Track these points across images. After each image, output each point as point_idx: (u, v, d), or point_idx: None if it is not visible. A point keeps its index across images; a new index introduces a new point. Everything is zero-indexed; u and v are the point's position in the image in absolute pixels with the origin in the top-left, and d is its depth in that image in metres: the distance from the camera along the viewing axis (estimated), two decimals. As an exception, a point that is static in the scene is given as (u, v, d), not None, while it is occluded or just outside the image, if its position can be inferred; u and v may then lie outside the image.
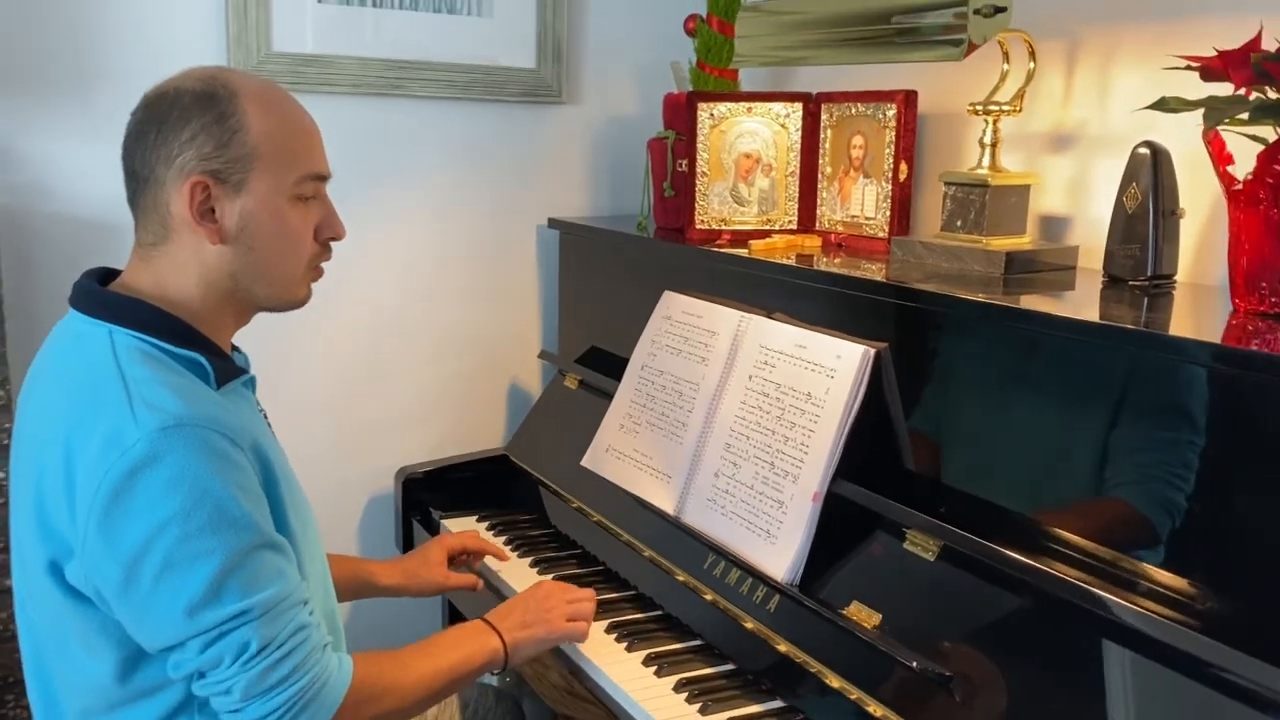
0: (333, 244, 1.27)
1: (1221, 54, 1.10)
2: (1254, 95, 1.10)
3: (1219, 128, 1.14)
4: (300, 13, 1.89)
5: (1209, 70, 1.11)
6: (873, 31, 1.33)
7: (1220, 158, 1.15)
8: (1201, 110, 1.11)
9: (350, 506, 2.14)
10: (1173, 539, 1.08)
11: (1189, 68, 1.14)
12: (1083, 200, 1.56)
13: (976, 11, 1.21)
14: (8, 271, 1.72)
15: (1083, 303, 1.30)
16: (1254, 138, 1.11)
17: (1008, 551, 1.17)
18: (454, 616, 2.08)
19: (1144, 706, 1.03)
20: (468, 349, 2.21)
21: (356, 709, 1.17)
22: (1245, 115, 1.07)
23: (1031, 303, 1.26)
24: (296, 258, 1.22)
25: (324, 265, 1.28)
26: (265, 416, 1.30)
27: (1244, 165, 1.15)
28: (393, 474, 2.06)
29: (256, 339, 1.35)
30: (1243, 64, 1.07)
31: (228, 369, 1.19)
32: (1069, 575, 1.11)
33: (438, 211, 2.11)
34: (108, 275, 1.22)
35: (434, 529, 1.97)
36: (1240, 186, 1.12)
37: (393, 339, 2.13)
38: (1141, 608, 1.04)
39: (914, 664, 1.18)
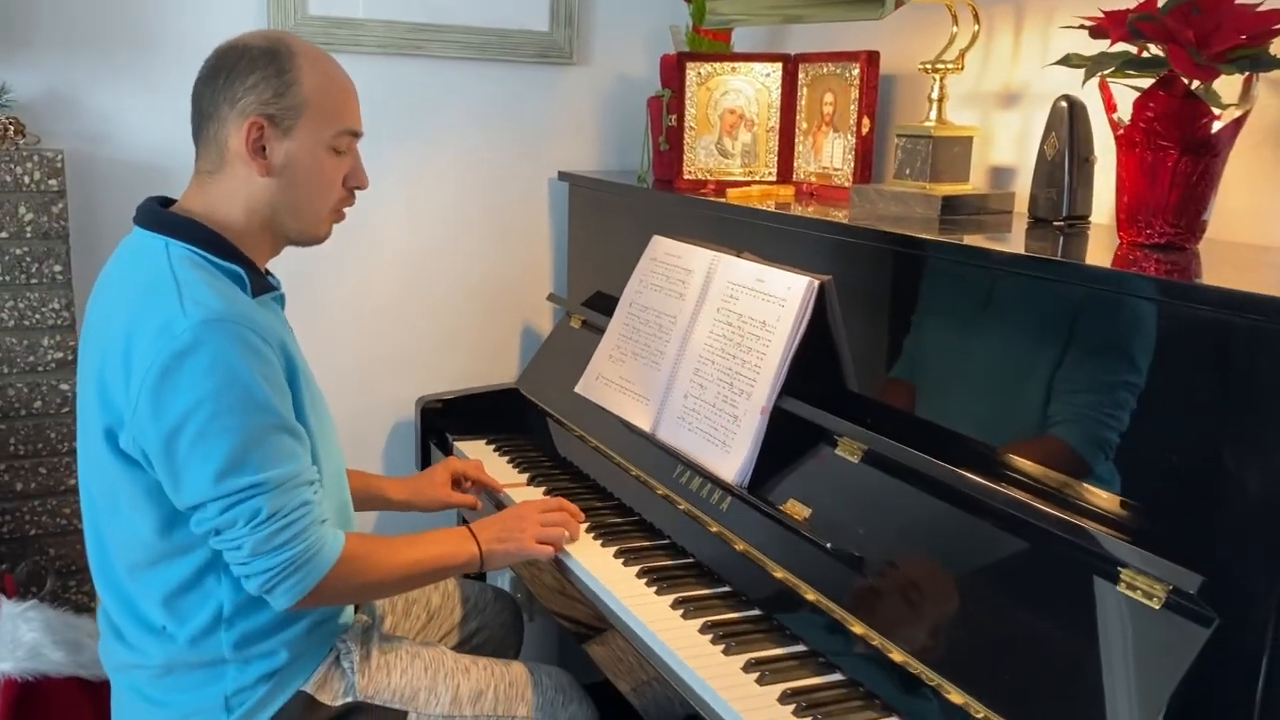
0: (359, 194, 1.49)
1: (1107, 14, 1.25)
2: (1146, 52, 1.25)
3: (1110, 79, 1.29)
4: (333, -20, 2.10)
5: (1097, 29, 1.26)
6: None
7: (1109, 106, 1.29)
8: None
9: (376, 429, 2.36)
10: (1058, 440, 1.24)
11: (1082, 26, 1.29)
12: (1026, 151, 1.71)
13: (896, -24, 1.37)
14: (74, 209, 1.95)
15: (996, 238, 1.45)
16: (1136, 88, 1.26)
17: (917, 452, 1.34)
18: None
19: (1013, 573, 1.20)
20: (484, 291, 2.41)
21: (344, 575, 1.38)
22: (1119, 68, 1.22)
23: (950, 238, 1.42)
24: (325, 199, 1.44)
25: (355, 211, 1.50)
26: (293, 333, 1.51)
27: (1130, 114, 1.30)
28: (414, 402, 2.28)
29: (297, 275, 1.56)
30: (1121, 23, 1.22)
31: (262, 283, 1.41)
32: (968, 472, 1.27)
33: (457, 164, 2.31)
34: (166, 201, 1.44)
35: (449, 451, 2.18)
36: (1122, 132, 1.27)
37: (416, 280, 2.34)
38: (1018, 497, 1.21)
39: (828, 545, 1.36)
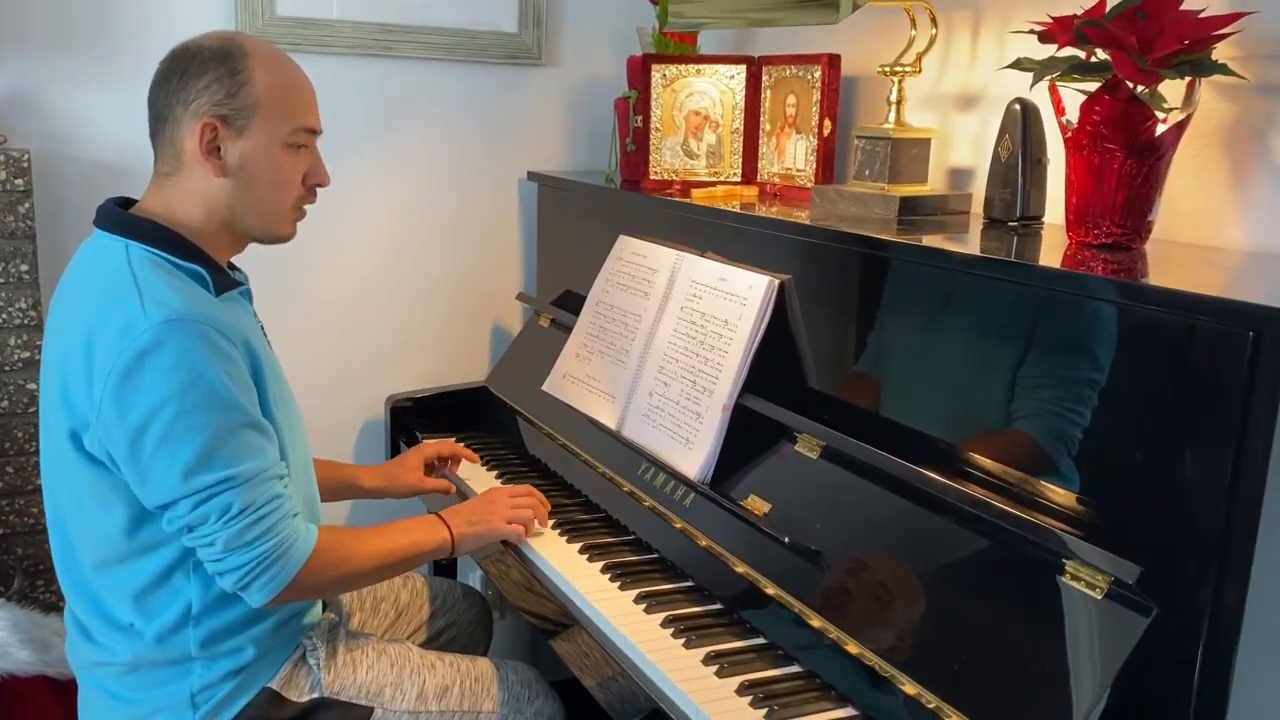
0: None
1: (1055, 19, 1.29)
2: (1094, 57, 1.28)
3: (1058, 83, 1.32)
4: (301, -19, 2.11)
5: (1046, 34, 1.30)
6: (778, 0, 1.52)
7: (1058, 109, 1.33)
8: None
9: (346, 428, 2.37)
10: (1008, 436, 1.27)
11: (1031, 31, 1.32)
12: (983, 153, 1.74)
13: (850, -18, 1.40)
14: (41, 209, 1.95)
15: (951, 238, 1.48)
16: (1084, 92, 1.29)
17: (873, 449, 1.36)
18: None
19: (965, 566, 1.23)
20: (454, 290, 2.42)
21: (319, 568, 1.39)
22: (1066, 72, 1.25)
23: (905, 238, 1.45)
24: (284, 197, 1.45)
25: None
26: (262, 327, 1.52)
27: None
28: (384, 400, 2.29)
29: (266, 275, 1.57)
30: (1068, 28, 1.25)
31: (225, 280, 1.41)
32: (922, 468, 1.30)
33: (427, 164, 2.32)
34: (126, 202, 1.45)
35: (418, 449, 2.19)
36: (1070, 135, 1.30)
37: (386, 280, 2.35)
38: (970, 492, 1.24)
39: (786, 539, 1.38)
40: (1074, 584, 1.10)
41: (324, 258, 2.26)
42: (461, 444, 1.99)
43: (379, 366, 2.38)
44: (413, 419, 2.27)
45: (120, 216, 1.40)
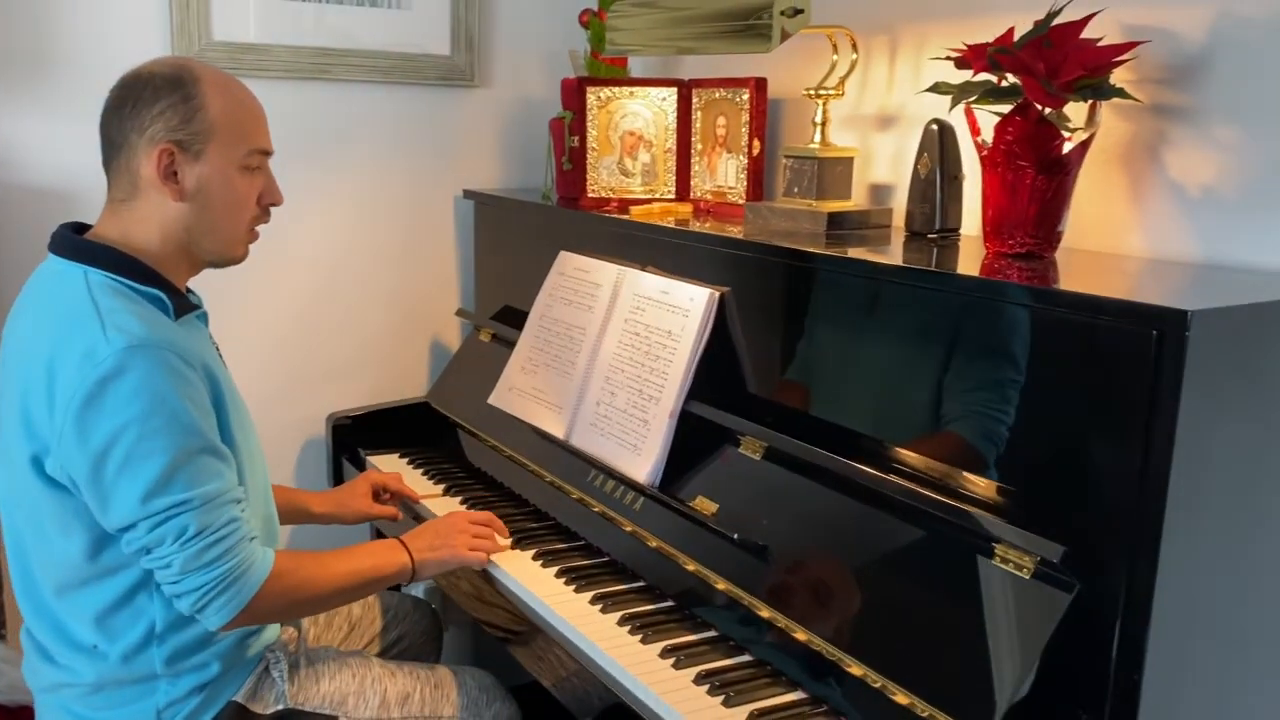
0: (273, 213, 1.53)
1: (970, 47, 1.40)
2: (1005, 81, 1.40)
3: (974, 105, 1.43)
4: (239, 5, 2.13)
5: (961, 60, 1.41)
6: (713, 28, 1.61)
7: (973, 129, 1.44)
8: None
9: (288, 447, 2.39)
10: (937, 432, 1.37)
11: (948, 58, 1.43)
12: (902, 170, 1.85)
13: (781, 13, 1.50)
14: (-24, 235, 1.95)
15: (877, 250, 1.59)
16: (997, 114, 1.40)
17: (813, 447, 1.46)
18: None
19: (902, 554, 1.33)
20: (393, 308, 2.46)
21: (276, 592, 1.41)
22: (981, 95, 1.37)
23: (835, 251, 1.54)
24: (240, 219, 1.48)
25: (263, 232, 1.53)
26: (217, 348, 1.55)
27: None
28: (324, 419, 2.32)
29: (205, 297, 1.58)
30: (982, 55, 1.36)
31: (184, 304, 1.44)
32: (860, 464, 1.39)
33: (364, 184, 2.36)
34: (80, 227, 1.46)
35: (362, 466, 2.22)
36: (985, 153, 1.41)
37: (325, 299, 2.38)
38: (904, 484, 1.33)
39: (735, 536, 1.47)
40: (1003, 566, 1.20)
41: (263, 279, 2.28)
42: (410, 468, 2.02)
43: (319, 385, 2.40)
44: (354, 436, 2.30)
45: (77, 243, 1.41)
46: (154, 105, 1.38)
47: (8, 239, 1.98)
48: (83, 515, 1.36)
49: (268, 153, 1.50)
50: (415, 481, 2.05)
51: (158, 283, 1.41)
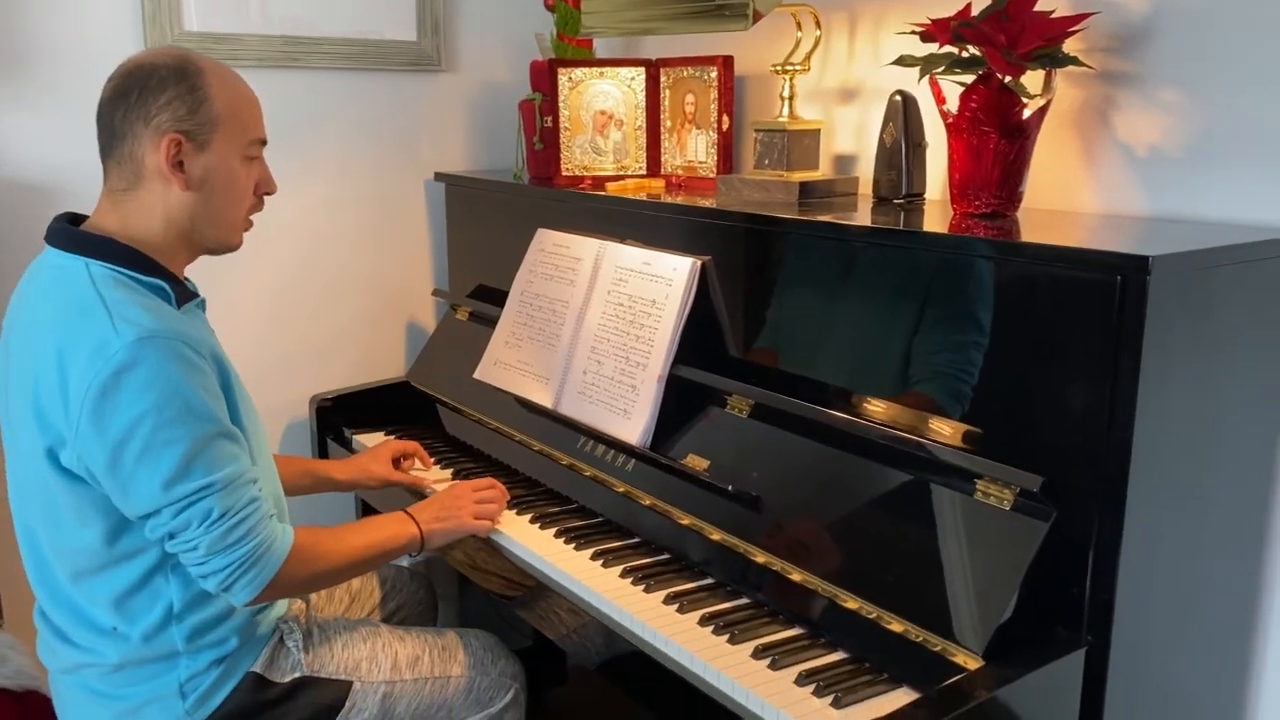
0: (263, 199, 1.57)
1: (934, 21, 1.49)
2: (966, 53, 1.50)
3: (939, 76, 1.53)
4: (205, -4, 2.16)
5: (927, 34, 1.50)
6: (685, 8, 1.69)
7: (939, 99, 1.53)
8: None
9: (273, 429, 2.43)
10: (916, 380, 1.46)
11: (914, 32, 1.52)
12: (865, 140, 1.95)
13: (756, -8, 1.58)
14: (-42, 230, 1.96)
15: (850, 215, 1.68)
16: (961, 83, 1.50)
17: (797, 401, 1.55)
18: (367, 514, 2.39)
19: (890, 495, 1.43)
20: (369, 290, 2.51)
21: (297, 565, 1.46)
22: (944, 67, 1.46)
23: (811, 216, 1.63)
24: (241, 207, 1.51)
25: (252, 218, 1.57)
26: (215, 336, 1.59)
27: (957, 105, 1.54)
28: (307, 401, 2.36)
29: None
30: (946, 29, 1.46)
31: (185, 293, 1.48)
32: (845, 414, 1.49)
33: (336, 170, 2.40)
34: (75, 218, 1.49)
35: (347, 445, 2.27)
36: (951, 120, 1.51)
37: (302, 284, 2.41)
38: (889, 429, 1.43)
39: (729, 488, 1.56)
40: (985, 499, 1.31)
41: (240, 266, 2.31)
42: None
43: (300, 368, 2.44)
44: (337, 417, 2.34)
45: (76, 235, 1.43)
46: (160, 95, 1.40)
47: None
48: (100, 504, 1.39)
49: (265, 142, 1.54)
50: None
51: (159, 272, 1.43)
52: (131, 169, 1.43)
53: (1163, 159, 1.54)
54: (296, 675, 1.57)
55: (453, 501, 1.74)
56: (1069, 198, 1.65)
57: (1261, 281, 1.36)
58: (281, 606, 1.63)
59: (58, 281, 1.41)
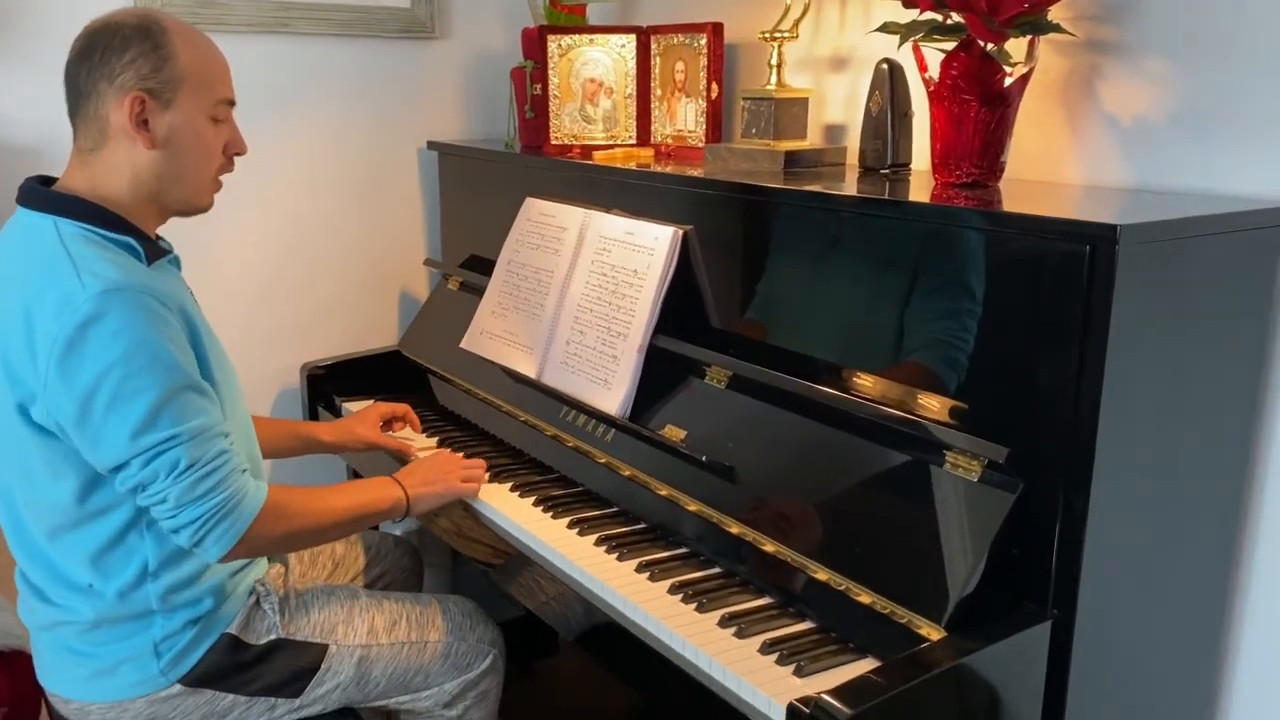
0: (240, 169, 1.56)
1: (916, -13, 1.47)
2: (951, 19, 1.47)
3: (921, 43, 1.51)
4: (196, -40, 2.15)
5: (909, 0, 1.48)
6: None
7: (921, 67, 1.51)
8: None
9: (264, 397, 2.44)
10: (888, 351, 1.45)
11: (896, -1, 1.50)
12: (856, 110, 1.92)
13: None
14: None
15: (833, 185, 1.66)
16: (943, 51, 1.48)
17: (774, 372, 1.54)
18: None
19: (860, 466, 1.42)
20: (362, 260, 2.51)
21: (271, 522, 1.46)
22: (928, 33, 1.44)
23: (793, 186, 1.61)
24: (207, 167, 1.51)
25: (232, 187, 1.57)
26: (193, 294, 1.59)
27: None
28: (298, 369, 2.37)
29: (178, 251, 1.62)
30: (928, -5, 1.43)
31: (155, 249, 1.48)
32: (818, 386, 1.47)
33: (329, 138, 2.40)
34: (48, 180, 1.49)
35: (337, 414, 2.28)
36: (933, 89, 1.48)
37: (294, 253, 2.41)
38: (859, 400, 1.42)
39: (704, 458, 1.55)
40: (954, 470, 1.30)
41: (232, 234, 2.31)
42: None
43: (292, 336, 2.44)
44: (329, 385, 2.35)
45: (45, 194, 1.44)
46: (123, 54, 1.41)
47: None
48: (72, 459, 1.40)
49: (233, 103, 1.53)
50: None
51: (128, 230, 1.44)
52: (97, 128, 1.44)
53: (1148, 130, 1.52)
54: (272, 637, 1.59)
55: (439, 467, 1.75)
56: (1054, 169, 1.63)
57: (1238, 253, 1.34)
58: (259, 570, 1.64)
59: (26, 239, 1.42)
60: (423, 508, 1.72)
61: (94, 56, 1.42)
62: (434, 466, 1.75)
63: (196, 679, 1.52)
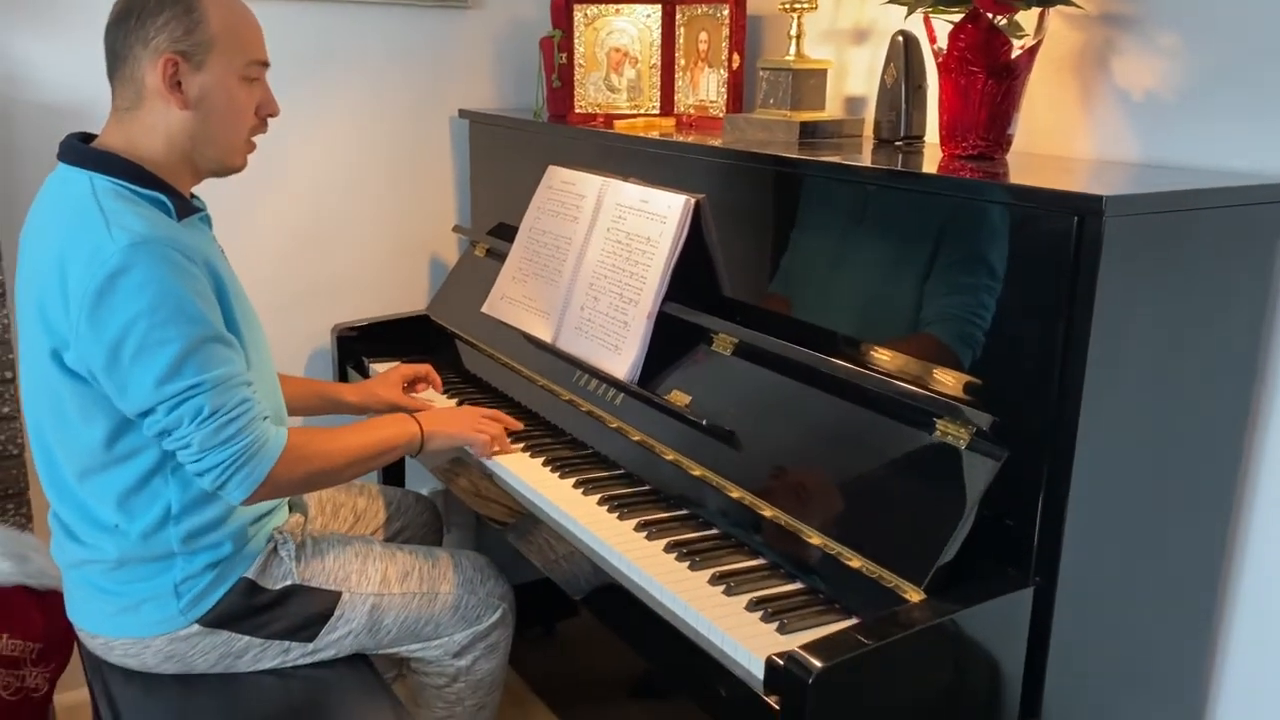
0: (278, 135, 1.61)
1: (926, -41, 1.47)
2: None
3: (931, 14, 1.51)
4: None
5: (920, -29, 1.48)
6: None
7: (931, 38, 1.52)
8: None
9: (296, 357, 2.51)
10: (881, 319, 1.46)
11: (908, -30, 1.51)
12: (876, 82, 1.92)
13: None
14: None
15: (843, 156, 1.67)
16: (952, 22, 1.48)
17: (779, 340, 1.56)
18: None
19: (854, 433, 1.44)
20: (393, 226, 2.56)
21: (292, 464, 1.52)
22: (936, 4, 1.44)
23: (799, 155, 1.63)
24: (240, 127, 1.57)
25: (268, 152, 1.62)
26: (223, 252, 1.65)
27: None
28: (329, 330, 2.43)
29: (214, 219, 1.67)
30: (937, -34, 1.44)
31: (186, 206, 1.54)
32: (817, 353, 1.49)
33: (363, 106, 2.45)
34: (88, 136, 1.55)
35: (366, 373, 2.34)
36: (941, 60, 1.49)
37: (328, 217, 2.47)
38: (853, 368, 1.44)
39: (704, 422, 1.58)
40: (944, 438, 1.31)
41: (269, 198, 2.38)
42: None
43: (324, 298, 2.51)
44: (359, 346, 2.41)
45: (83, 150, 1.50)
46: (157, 17, 1.46)
47: (24, 153, 2.08)
48: (103, 403, 1.47)
49: (265, 64, 1.58)
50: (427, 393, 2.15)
51: (159, 186, 1.49)
52: (133, 89, 1.50)
53: (1160, 105, 1.51)
54: (287, 583, 1.65)
55: (458, 412, 1.81)
56: (1064, 144, 1.62)
57: (1237, 229, 1.33)
58: (278, 518, 1.70)
59: (63, 194, 1.49)
60: (435, 445, 1.76)
61: (130, 20, 1.47)
62: (453, 412, 1.83)
63: (214, 620, 1.58)
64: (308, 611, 1.65)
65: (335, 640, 1.67)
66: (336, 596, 1.68)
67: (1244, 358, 1.43)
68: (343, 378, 2.42)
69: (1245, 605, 1.52)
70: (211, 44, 1.49)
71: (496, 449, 1.82)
